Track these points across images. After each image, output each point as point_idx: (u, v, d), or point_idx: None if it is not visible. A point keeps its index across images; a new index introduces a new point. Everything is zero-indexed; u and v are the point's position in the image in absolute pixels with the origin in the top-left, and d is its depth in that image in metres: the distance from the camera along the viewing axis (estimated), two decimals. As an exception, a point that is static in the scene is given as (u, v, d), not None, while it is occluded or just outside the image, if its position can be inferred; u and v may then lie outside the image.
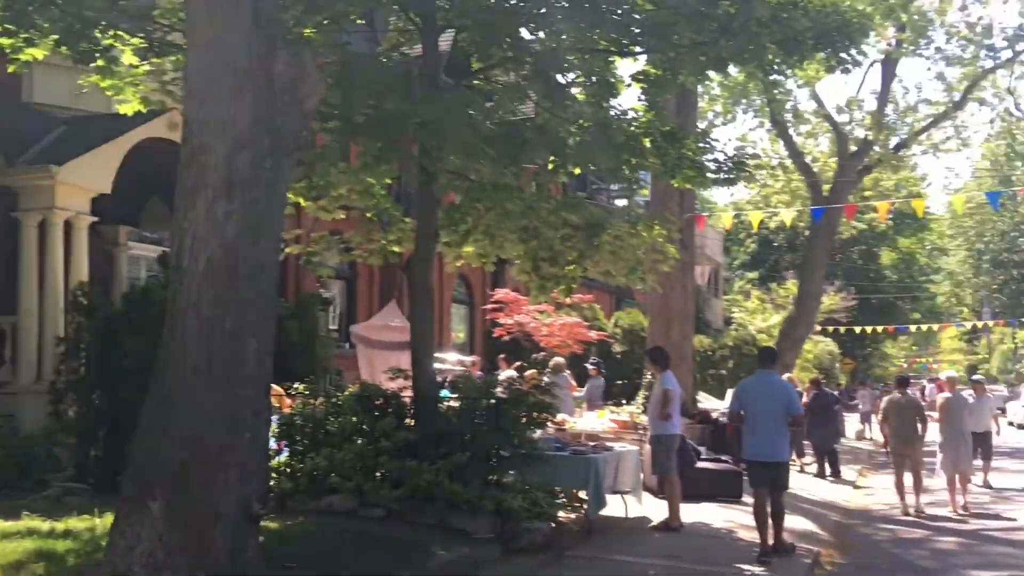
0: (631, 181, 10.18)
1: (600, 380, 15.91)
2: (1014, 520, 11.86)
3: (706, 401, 19.39)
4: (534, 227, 10.18)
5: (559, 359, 15.31)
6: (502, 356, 17.09)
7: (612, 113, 9.48)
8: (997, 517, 11.90)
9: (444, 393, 9.58)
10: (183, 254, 5.14)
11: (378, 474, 8.21)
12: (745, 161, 9.93)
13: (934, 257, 61.05)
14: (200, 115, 5.19)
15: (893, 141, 24.12)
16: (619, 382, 20.24)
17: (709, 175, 9.70)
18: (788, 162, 25.46)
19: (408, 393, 8.79)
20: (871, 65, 24.00)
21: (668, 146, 9.85)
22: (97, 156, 10.34)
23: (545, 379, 14.96)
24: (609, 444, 10.41)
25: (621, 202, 29.48)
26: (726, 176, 9.73)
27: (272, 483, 8.44)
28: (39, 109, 11.37)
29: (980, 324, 52.31)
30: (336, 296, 19.52)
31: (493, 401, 8.35)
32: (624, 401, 16.68)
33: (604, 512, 9.92)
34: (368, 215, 9.52)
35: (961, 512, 12.10)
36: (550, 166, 9.77)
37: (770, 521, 8.52)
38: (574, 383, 15.25)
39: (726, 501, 11.74)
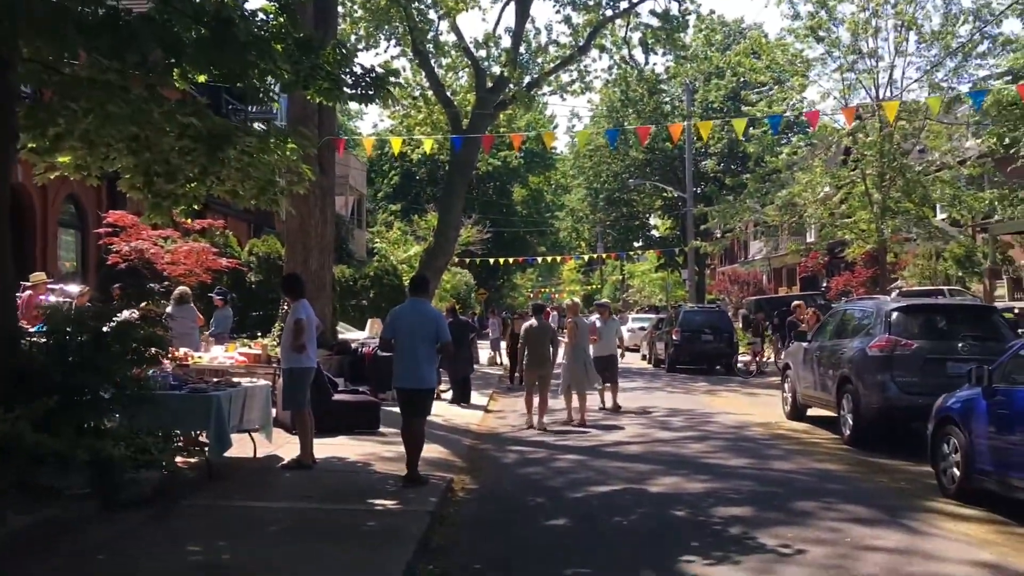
0: (261, 92, 9.15)
1: (228, 311, 14.77)
2: (623, 429, 12.95)
3: (346, 332, 19.02)
4: (145, 136, 8.86)
5: (184, 289, 13.99)
6: (117, 286, 15.29)
7: (238, 13, 8.38)
8: (610, 429, 12.88)
9: (39, 328, 8.11)
10: None
11: (-64, 428, 6.67)
12: (384, 78, 9.36)
13: (558, 195, 65.95)
14: None
15: (526, 80, 25.09)
16: (254, 313, 19.17)
17: (346, 89, 9.01)
18: (430, 94, 25.52)
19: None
20: (507, 3, 24.67)
21: (302, 55, 9.00)
22: None
23: (168, 310, 13.65)
24: (236, 380, 9.53)
25: (260, 127, 27.85)
26: (364, 92, 9.10)
27: None
28: None
29: (596, 256, 57.69)
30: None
31: (89, 336, 7.10)
32: (260, 333, 15.74)
33: (231, 454, 9.11)
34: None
35: (580, 427, 13.02)
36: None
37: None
38: (200, 315, 13.98)
39: (364, 433, 11.47)
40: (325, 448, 10.02)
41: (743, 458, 10.45)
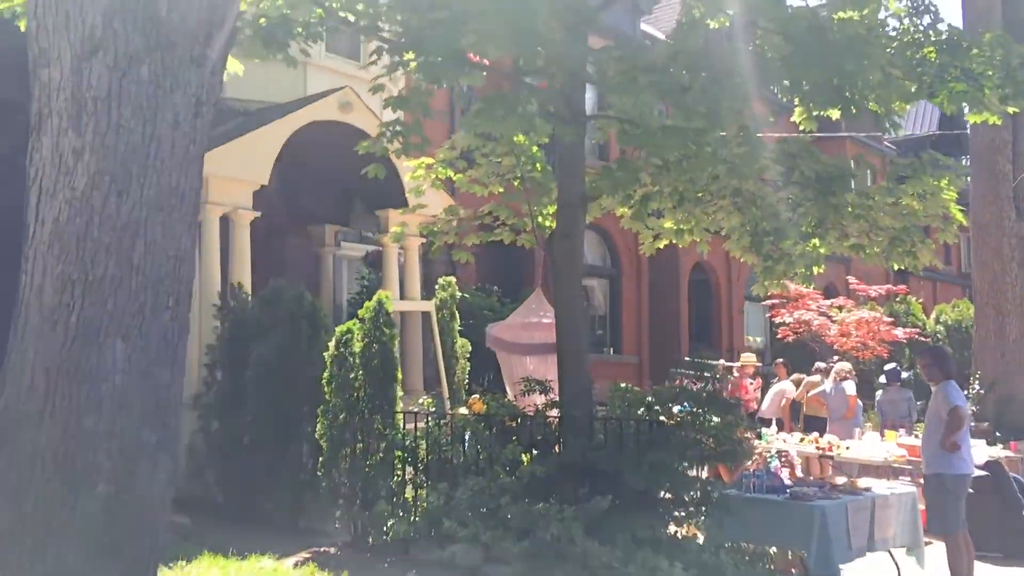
0: (879, 114, 7.09)
1: (901, 393, 11.95)
2: None
3: (1070, 420, 14.74)
4: (748, 189, 7.60)
5: (842, 365, 12.11)
6: (779, 362, 14.18)
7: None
8: None
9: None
10: (29, 216, 3.59)
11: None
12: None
13: None
14: (38, 7, 3.60)
15: None
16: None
17: (988, 90, 6.43)
18: None
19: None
20: None
21: (937, 57, 6.80)
22: (250, 143, 9.27)
23: (826, 389, 11.97)
24: (867, 484, 7.39)
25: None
26: (1016, 91, 6.40)
27: (391, 523, 6.84)
28: (222, 101, 10.77)
29: None
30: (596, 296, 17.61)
31: (646, 423, 5.95)
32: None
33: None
34: (515, 182, 7.50)
35: None
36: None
37: None
38: (853, 397, 11.67)
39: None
40: (1003, 588, 7.23)
41: None
